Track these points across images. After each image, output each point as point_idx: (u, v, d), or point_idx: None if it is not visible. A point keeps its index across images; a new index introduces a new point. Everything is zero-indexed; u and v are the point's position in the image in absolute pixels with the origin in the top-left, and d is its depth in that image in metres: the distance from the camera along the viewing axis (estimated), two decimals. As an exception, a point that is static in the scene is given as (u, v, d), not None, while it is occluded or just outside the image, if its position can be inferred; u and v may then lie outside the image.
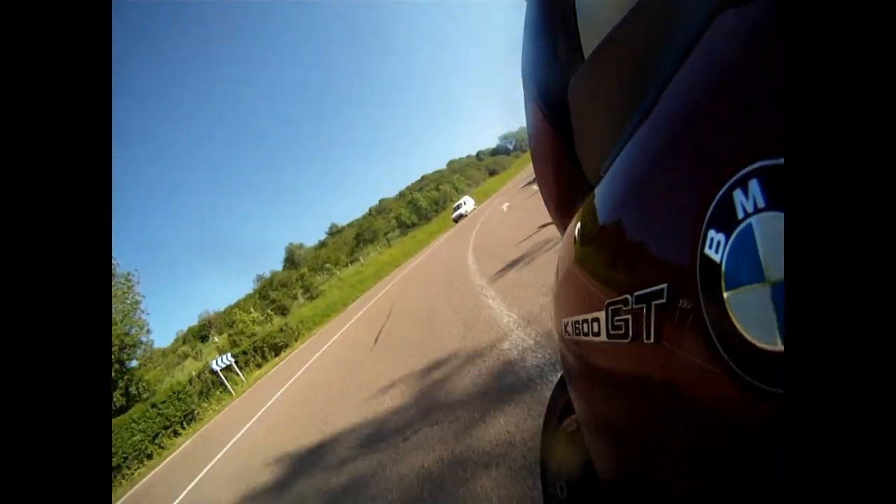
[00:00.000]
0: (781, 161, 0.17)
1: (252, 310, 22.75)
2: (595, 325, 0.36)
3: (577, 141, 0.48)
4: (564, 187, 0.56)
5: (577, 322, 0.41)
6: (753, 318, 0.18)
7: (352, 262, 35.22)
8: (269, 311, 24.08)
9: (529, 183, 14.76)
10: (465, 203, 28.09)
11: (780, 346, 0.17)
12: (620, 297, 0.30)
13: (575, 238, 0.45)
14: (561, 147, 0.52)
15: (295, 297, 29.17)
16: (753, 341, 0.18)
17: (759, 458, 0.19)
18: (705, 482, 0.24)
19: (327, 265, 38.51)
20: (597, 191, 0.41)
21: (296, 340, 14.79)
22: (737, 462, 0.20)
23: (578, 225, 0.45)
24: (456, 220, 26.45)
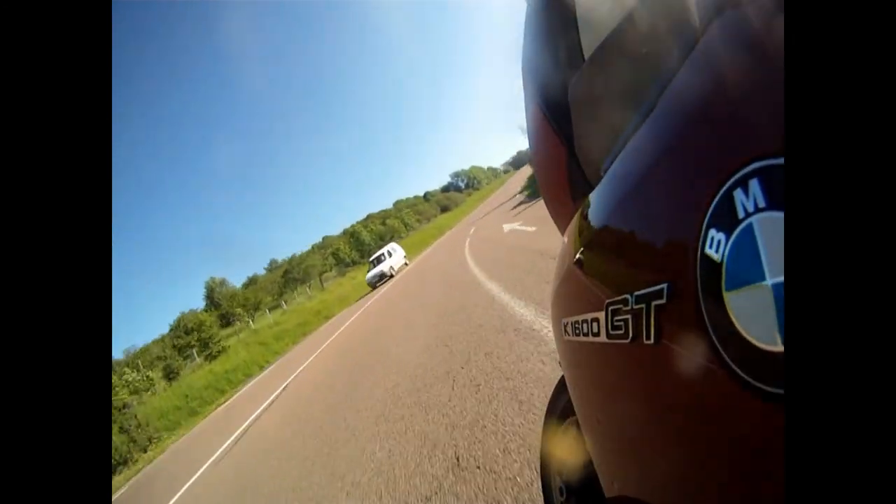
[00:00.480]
0: (781, 161, 0.17)
1: (128, 370, 15.33)
2: (595, 325, 0.36)
3: (578, 141, 0.48)
4: (564, 187, 0.56)
5: (576, 322, 0.41)
6: (753, 318, 0.18)
7: (272, 309, 26.94)
8: (148, 375, 15.73)
9: (522, 203, 10.84)
10: (388, 254, 15.95)
11: (779, 346, 0.17)
12: (620, 297, 0.30)
13: (575, 238, 0.46)
14: (561, 147, 0.53)
15: (188, 354, 19.40)
16: (753, 341, 0.18)
17: (759, 458, 0.19)
18: (705, 481, 0.24)
19: (238, 310, 29.28)
20: (597, 191, 0.41)
21: (145, 451, 8.65)
22: (737, 461, 0.20)
23: (578, 225, 0.46)
24: (372, 285, 15.16)
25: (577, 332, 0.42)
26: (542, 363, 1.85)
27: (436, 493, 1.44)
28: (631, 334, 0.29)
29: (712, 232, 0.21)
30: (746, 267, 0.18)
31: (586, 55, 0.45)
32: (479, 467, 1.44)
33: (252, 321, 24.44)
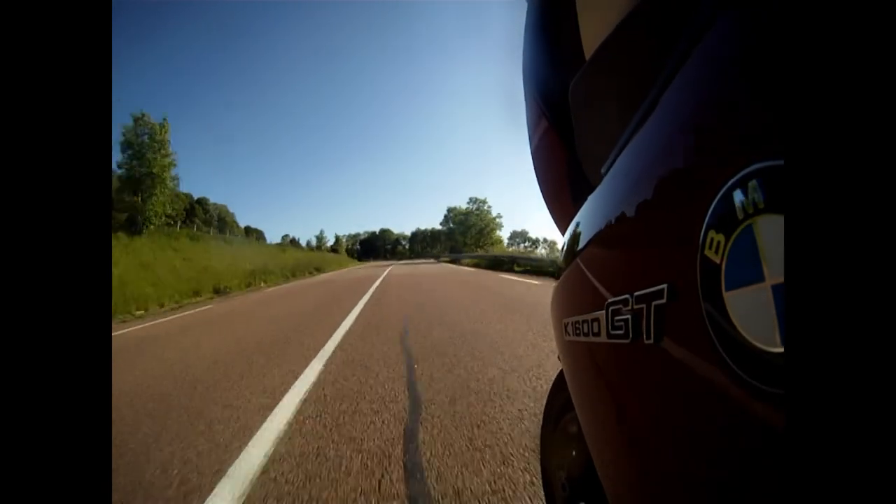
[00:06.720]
0: (781, 163, 0.17)
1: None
2: (595, 325, 0.36)
3: (579, 141, 0.48)
4: (565, 187, 0.56)
5: (577, 322, 0.42)
6: (753, 318, 0.18)
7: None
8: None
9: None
10: None
11: (779, 347, 0.17)
12: (621, 297, 0.30)
13: (575, 238, 0.46)
14: (561, 147, 0.53)
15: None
16: (753, 342, 0.18)
17: (759, 459, 0.19)
18: (705, 482, 0.24)
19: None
20: (597, 191, 0.41)
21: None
22: (737, 462, 0.20)
23: (579, 225, 0.46)
24: None
25: (578, 332, 0.42)
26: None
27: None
28: (631, 334, 0.29)
29: (712, 233, 0.21)
30: (746, 268, 0.19)
31: (587, 55, 0.45)
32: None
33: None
